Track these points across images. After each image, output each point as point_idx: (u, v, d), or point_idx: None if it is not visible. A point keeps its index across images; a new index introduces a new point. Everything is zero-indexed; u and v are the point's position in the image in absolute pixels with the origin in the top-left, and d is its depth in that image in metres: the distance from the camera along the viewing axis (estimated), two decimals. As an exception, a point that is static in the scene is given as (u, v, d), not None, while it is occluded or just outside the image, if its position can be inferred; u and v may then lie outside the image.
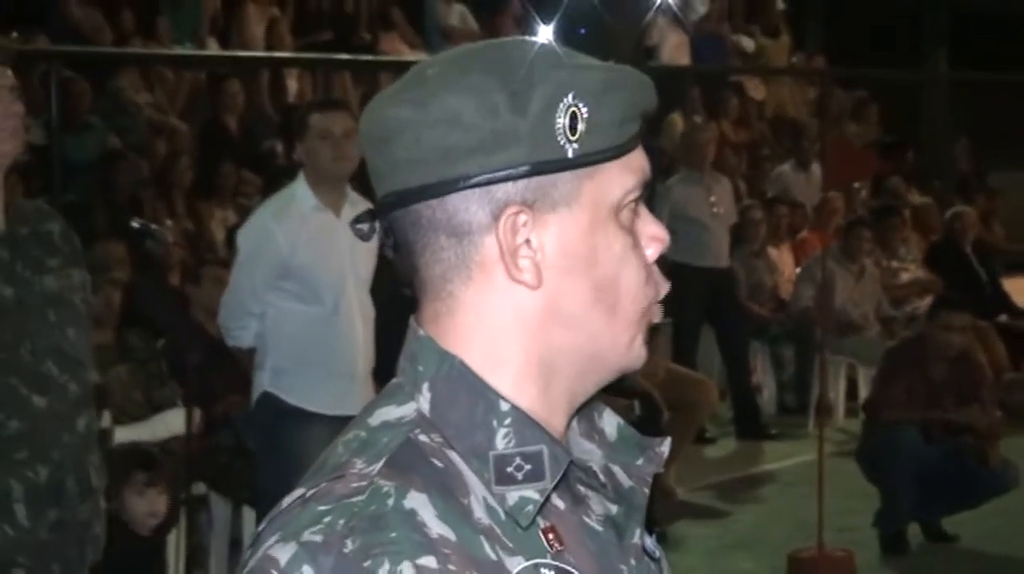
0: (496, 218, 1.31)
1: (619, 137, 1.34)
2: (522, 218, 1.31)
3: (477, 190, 1.31)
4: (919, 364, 7.36)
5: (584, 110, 1.31)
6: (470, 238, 1.32)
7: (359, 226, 1.38)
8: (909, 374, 7.34)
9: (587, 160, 1.32)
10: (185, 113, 10.67)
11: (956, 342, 7.35)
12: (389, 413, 1.33)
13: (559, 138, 1.30)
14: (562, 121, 1.30)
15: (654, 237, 1.38)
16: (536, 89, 1.30)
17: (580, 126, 1.31)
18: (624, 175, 1.35)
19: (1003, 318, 10.66)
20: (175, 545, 6.12)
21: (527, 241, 1.31)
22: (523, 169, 1.30)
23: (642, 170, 1.36)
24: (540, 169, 1.31)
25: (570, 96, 1.31)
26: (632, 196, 1.35)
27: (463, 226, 1.32)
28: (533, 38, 1.35)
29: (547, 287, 1.32)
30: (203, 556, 6.45)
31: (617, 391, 6.91)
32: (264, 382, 5.34)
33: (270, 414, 5.30)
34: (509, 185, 1.31)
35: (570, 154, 1.31)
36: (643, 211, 1.38)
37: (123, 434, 6.20)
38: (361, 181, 5.62)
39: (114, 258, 7.46)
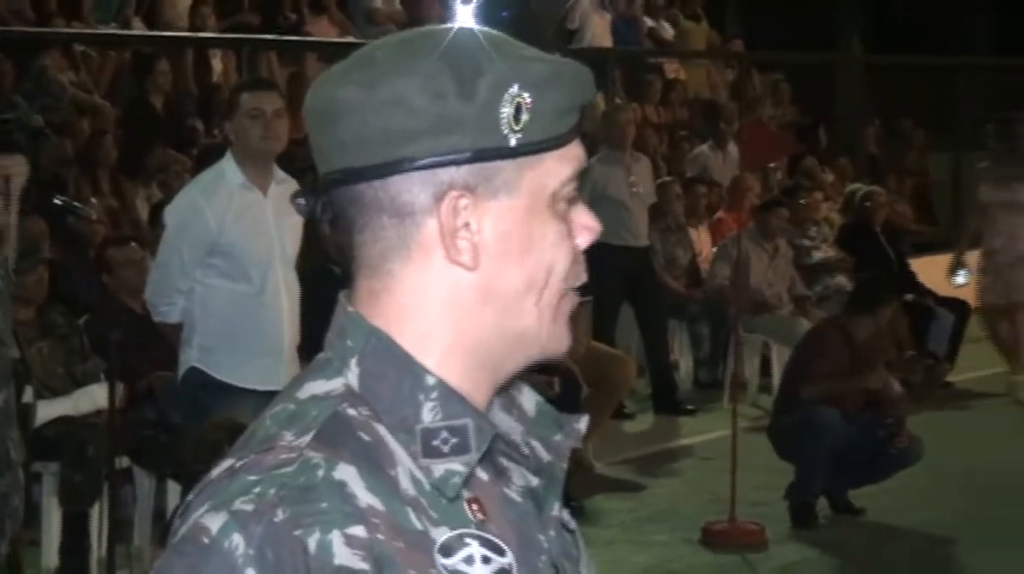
0: (438, 200, 1.34)
1: (560, 128, 1.37)
2: (463, 202, 1.34)
3: (421, 173, 1.33)
4: (839, 348, 7.48)
5: (528, 100, 1.34)
6: (412, 219, 1.34)
7: (299, 201, 1.40)
8: (828, 355, 7.45)
9: (529, 150, 1.35)
10: (110, 93, 10.66)
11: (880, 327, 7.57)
12: (317, 387, 1.36)
13: (503, 127, 1.33)
14: (507, 110, 1.33)
15: (586, 227, 1.40)
16: (483, 77, 1.33)
17: (524, 116, 1.34)
18: (562, 165, 1.38)
19: (909, 297, 10.85)
20: (98, 519, 6.14)
21: (466, 224, 1.34)
22: (466, 155, 1.33)
23: (579, 160, 1.39)
24: (483, 156, 1.33)
25: (515, 86, 1.33)
26: (569, 186, 1.38)
27: (405, 207, 1.34)
28: (481, 26, 1.38)
29: (483, 270, 1.35)
30: (127, 529, 6.46)
31: (537, 367, 7.00)
32: (191, 358, 5.39)
33: (197, 388, 5.35)
34: (452, 169, 1.33)
35: (513, 143, 1.34)
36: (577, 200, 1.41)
37: (46, 408, 6.18)
38: (286, 160, 5.72)
39: (35, 234, 7.46)
